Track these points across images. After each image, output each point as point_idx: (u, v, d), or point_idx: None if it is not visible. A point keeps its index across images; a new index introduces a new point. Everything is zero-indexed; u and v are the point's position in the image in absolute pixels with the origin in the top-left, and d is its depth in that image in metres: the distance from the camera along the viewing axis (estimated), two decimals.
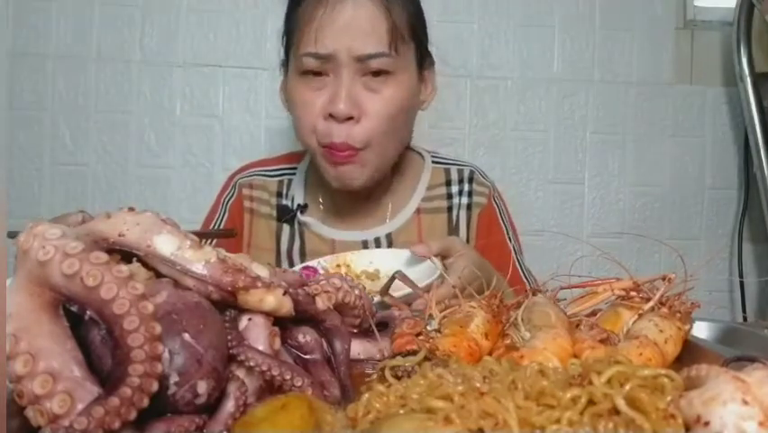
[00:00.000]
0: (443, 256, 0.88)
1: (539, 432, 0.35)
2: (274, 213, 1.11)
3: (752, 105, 1.48)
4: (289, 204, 1.11)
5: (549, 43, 1.58)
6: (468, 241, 1.10)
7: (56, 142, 1.51)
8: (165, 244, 0.45)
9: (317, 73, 0.96)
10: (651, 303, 0.64)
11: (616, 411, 0.35)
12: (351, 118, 0.95)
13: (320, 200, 1.11)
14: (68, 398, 0.37)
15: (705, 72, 1.60)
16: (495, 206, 1.13)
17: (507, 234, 1.13)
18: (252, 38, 1.55)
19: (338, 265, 0.95)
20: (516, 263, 1.09)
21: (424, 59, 1.04)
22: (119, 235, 0.45)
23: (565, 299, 0.72)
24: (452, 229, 1.11)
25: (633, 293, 0.68)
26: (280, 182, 1.13)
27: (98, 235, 0.45)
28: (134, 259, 0.45)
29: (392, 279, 0.72)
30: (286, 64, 1.04)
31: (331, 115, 0.95)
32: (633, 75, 1.59)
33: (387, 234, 1.08)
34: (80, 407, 0.37)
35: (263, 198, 1.12)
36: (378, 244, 1.08)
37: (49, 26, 1.50)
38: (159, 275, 0.46)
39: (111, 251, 0.44)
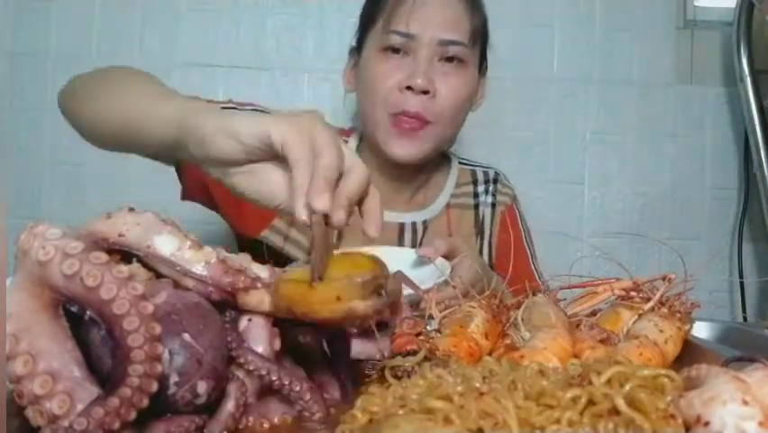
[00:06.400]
0: (448, 257, 0.89)
1: (539, 432, 0.35)
2: None
3: (752, 105, 1.48)
4: None
5: (549, 43, 1.58)
6: (491, 237, 1.18)
7: (56, 142, 1.51)
8: (165, 245, 0.45)
9: (396, 50, 1.05)
10: (651, 303, 0.64)
11: (616, 411, 0.35)
12: (427, 93, 1.03)
13: None
14: (68, 398, 0.37)
15: (705, 72, 1.60)
16: (516, 209, 1.23)
17: (525, 237, 1.21)
18: (252, 38, 1.55)
19: None
20: (531, 267, 1.16)
21: (482, 65, 1.15)
22: (119, 236, 0.45)
23: (565, 299, 0.72)
24: (478, 225, 1.19)
25: (633, 293, 0.68)
26: None
27: (98, 236, 0.45)
28: (134, 259, 0.45)
29: None
30: (358, 48, 1.13)
31: (408, 88, 1.03)
32: (633, 75, 1.59)
33: (423, 220, 1.14)
34: (80, 407, 0.37)
35: None
36: (414, 228, 1.13)
37: (49, 26, 1.50)
38: (159, 275, 0.46)
39: (111, 251, 0.44)
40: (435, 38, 1.04)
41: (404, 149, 1.05)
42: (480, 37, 1.11)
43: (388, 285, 0.46)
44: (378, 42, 1.06)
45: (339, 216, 0.50)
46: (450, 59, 1.05)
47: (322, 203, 0.49)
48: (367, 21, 1.11)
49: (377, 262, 0.48)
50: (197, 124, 0.58)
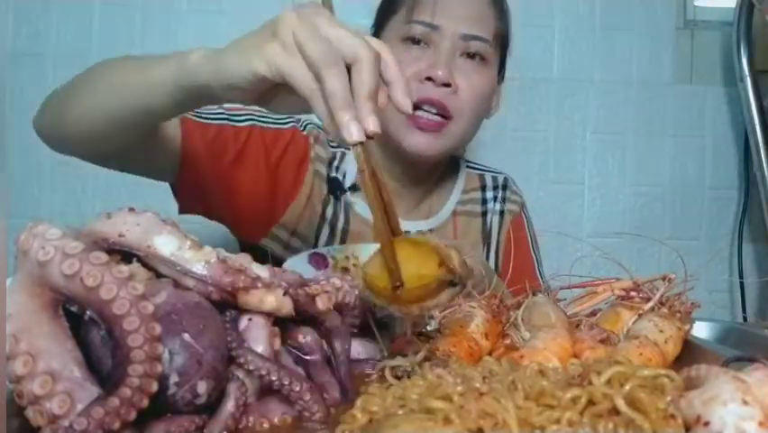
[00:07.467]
0: None
1: (539, 432, 0.35)
2: (324, 178, 1.10)
3: (752, 105, 1.48)
4: (340, 178, 1.10)
5: (549, 43, 1.58)
6: (498, 245, 1.15)
7: None
8: (165, 245, 0.45)
9: (417, 42, 1.02)
10: (651, 303, 0.64)
11: (616, 411, 0.35)
12: (448, 86, 1.00)
13: None
14: (68, 398, 0.37)
15: (705, 72, 1.60)
16: (524, 216, 1.21)
17: (532, 244, 1.19)
18: None
19: (346, 257, 0.95)
20: (537, 272, 1.15)
21: (501, 71, 1.13)
22: (119, 236, 0.45)
23: (565, 299, 0.72)
24: (486, 233, 1.16)
25: (633, 293, 0.68)
26: (334, 153, 1.11)
27: (98, 236, 0.45)
28: (134, 259, 0.45)
29: None
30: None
31: (428, 79, 0.99)
32: (633, 75, 1.59)
33: (429, 229, 1.12)
34: (80, 407, 0.37)
35: (321, 158, 1.10)
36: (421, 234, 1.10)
37: (49, 26, 1.50)
38: (159, 275, 0.46)
39: (111, 251, 0.44)
40: (459, 32, 1.01)
41: (418, 148, 1.01)
42: (501, 40, 1.08)
43: (457, 269, 0.50)
44: (398, 32, 1.04)
45: (372, 124, 0.50)
46: (472, 56, 1.03)
47: (355, 133, 0.49)
48: (387, 11, 1.09)
49: (440, 252, 0.52)
50: (200, 83, 0.57)
